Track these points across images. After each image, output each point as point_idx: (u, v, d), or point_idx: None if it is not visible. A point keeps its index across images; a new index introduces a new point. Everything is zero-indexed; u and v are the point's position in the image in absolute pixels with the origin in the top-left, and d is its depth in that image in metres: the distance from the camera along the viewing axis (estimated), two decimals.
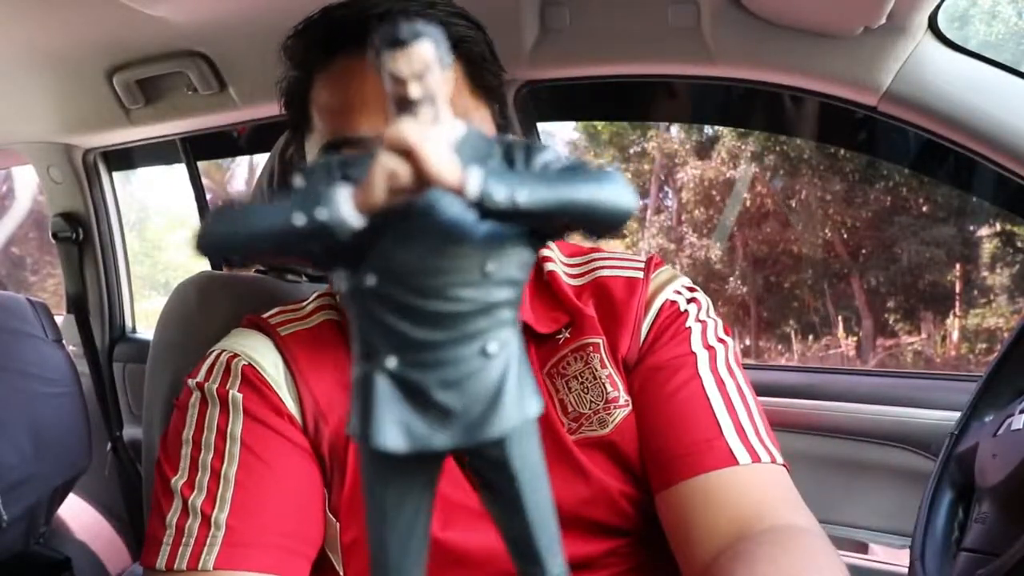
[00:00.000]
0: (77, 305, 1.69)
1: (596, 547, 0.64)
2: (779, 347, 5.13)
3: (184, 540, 0.57)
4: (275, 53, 0.64)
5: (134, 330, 1.74)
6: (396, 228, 0.22)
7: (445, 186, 0.21)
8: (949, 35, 0.88)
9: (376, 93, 0.59)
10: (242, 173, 5.05)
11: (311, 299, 0.72)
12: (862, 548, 1.21)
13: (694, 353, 0.66)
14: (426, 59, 0.21)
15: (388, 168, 0.21)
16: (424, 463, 0.24)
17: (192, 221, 1.80)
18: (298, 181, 0.23)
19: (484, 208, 0.21)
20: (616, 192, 0.22)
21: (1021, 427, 0.64)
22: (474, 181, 0.21)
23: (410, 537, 0.25)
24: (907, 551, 0.78)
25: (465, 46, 0.62)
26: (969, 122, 0.87)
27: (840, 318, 4.88)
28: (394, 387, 0.23)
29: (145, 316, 1.78)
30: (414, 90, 0.21)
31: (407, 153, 0.21)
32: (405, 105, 0.21)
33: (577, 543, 0.63)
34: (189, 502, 0.58)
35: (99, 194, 1.65)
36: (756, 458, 0.61)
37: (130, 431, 1.64)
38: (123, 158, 1.72)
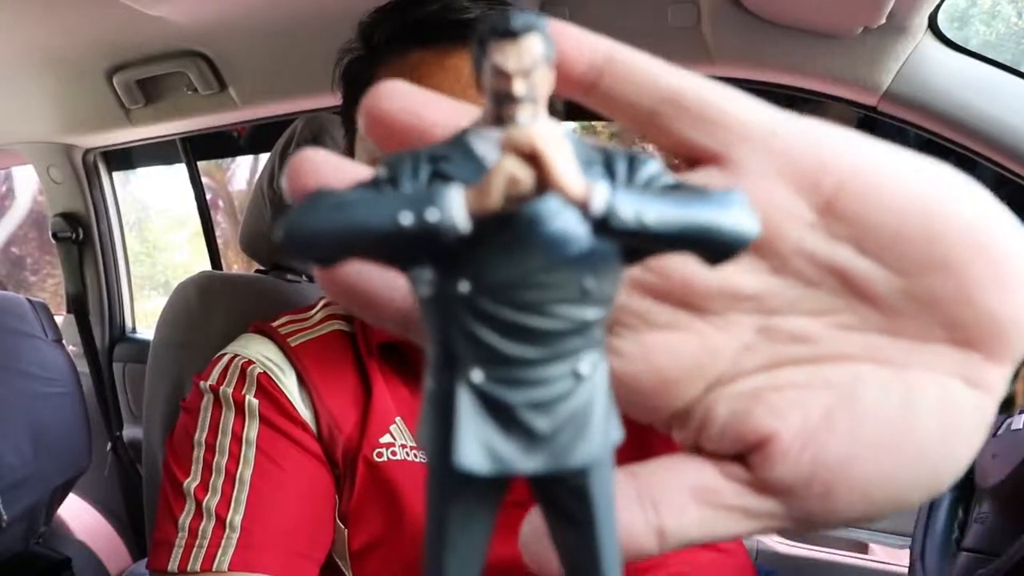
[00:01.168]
0: (77, 305, 1.68)
1: None
2: None
3: (197, 542, 0.57)
4: (275, 53, 0.64)
5: (134, 330, 1.73)
6: (500, 235, 0.20)
7: (569, 198, 0.19)
8: (949, 35, 0.88)
9: (450, 92, 0.60)
10: (242, 173, 5.05)
11: (319, 307, 0.71)
12: (862, 548, 1.21)
13: None
14: (535, 54, 0.19)
15: (510, 173, 0.19)
16: (496, 486, 0.22)
17: (192, 221, 1.80)
18: (381, 171, 0.21)
19: (606, 226, 0.19)
20: (740, 217, 0.20)
21: (1021, 427, 0.64)
22: (600, 196, 0.19)
23: (470, 561, 0.24)
24: (907, 551, 0.78)
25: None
26: (969, 122, 0.87)
27: None
28: (478, 403, 0.21)
29: (145, 316, 1.78)
30: (519, 87, 0.19)
31: (532, 158, 0.19)
32: (505, 102, 0.20)
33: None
34: (203, 504, 0.58)
35: (99, 194, 1.65)
36: None
37: (130, 431, 1.64)
38: (123, 158, 1.71)
